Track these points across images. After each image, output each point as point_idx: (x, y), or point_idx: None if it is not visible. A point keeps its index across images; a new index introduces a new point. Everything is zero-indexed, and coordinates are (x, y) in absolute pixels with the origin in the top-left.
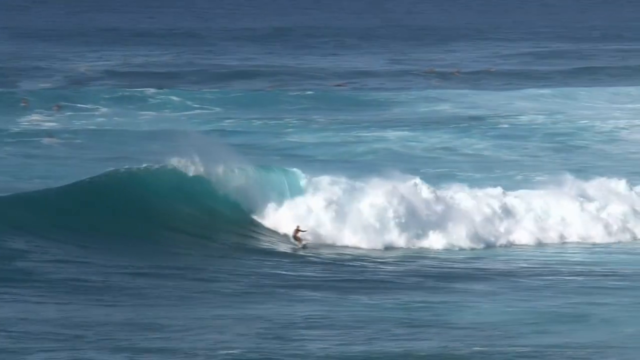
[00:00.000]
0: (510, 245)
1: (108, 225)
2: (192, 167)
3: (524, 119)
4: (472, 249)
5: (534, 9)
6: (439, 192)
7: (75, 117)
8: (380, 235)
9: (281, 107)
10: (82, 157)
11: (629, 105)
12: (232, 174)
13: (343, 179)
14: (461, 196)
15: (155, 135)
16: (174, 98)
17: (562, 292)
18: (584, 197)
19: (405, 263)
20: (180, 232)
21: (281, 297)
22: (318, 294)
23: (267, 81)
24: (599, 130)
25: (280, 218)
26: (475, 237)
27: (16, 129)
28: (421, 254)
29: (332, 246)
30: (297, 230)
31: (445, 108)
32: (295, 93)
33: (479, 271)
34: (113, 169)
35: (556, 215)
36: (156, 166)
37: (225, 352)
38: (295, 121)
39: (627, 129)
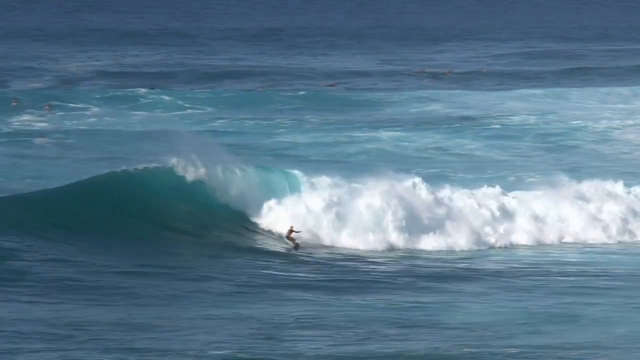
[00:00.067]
0: (507, 246)
1: (101, 224)
2: (192, 167)
3: (515, 119)
4: (470, 250)
5: (524, 9)
6: (438, 193)
7: (66, 117)
8: (379, 236)
9: (273, 107)
10: (74, 157)
11: (621, 106)
12: (232, 175)
13: (342, 180)
14: (458, 196)
15: (148, 135)
16: (166, 98)
17: (554, 292)
18: (580, 197)
19: (397, 263)
20: (174, 232)
21: (272, 297)
22: (309, 294)
23: (258, 81)
24: (591, 131)
25: (277, 218)
26: (473, 238)
27: (7, 129)
28: (413, 255)
29: (326, 246)
30: (291, 231)
31: (437, 108)
32: (287, 93)
33: (471, 271)
34: (110, 170)
35: (554, 216)
36: (154, 166)
37: (216, 352)
38: (287, 121)
39: (619, 129)
